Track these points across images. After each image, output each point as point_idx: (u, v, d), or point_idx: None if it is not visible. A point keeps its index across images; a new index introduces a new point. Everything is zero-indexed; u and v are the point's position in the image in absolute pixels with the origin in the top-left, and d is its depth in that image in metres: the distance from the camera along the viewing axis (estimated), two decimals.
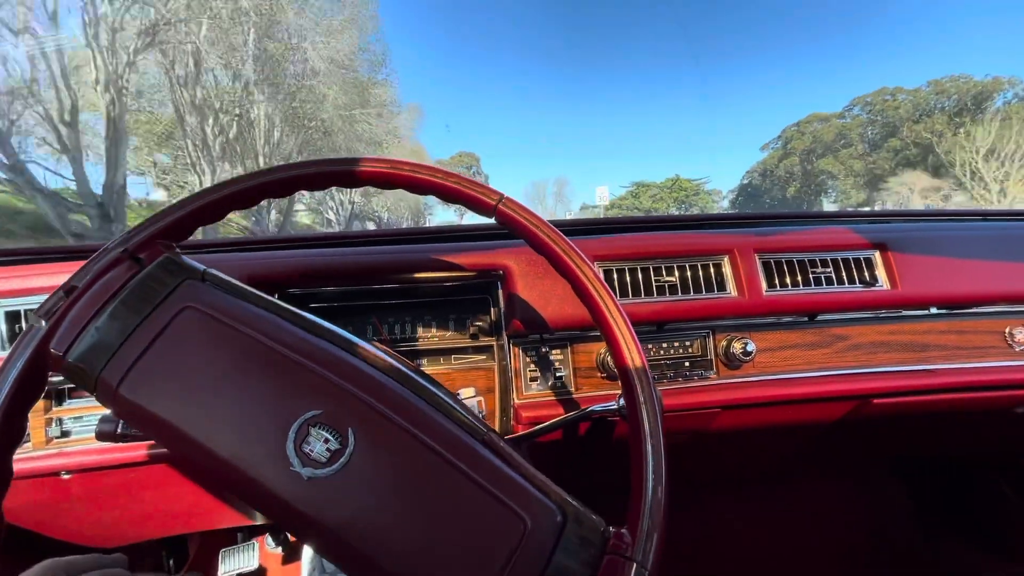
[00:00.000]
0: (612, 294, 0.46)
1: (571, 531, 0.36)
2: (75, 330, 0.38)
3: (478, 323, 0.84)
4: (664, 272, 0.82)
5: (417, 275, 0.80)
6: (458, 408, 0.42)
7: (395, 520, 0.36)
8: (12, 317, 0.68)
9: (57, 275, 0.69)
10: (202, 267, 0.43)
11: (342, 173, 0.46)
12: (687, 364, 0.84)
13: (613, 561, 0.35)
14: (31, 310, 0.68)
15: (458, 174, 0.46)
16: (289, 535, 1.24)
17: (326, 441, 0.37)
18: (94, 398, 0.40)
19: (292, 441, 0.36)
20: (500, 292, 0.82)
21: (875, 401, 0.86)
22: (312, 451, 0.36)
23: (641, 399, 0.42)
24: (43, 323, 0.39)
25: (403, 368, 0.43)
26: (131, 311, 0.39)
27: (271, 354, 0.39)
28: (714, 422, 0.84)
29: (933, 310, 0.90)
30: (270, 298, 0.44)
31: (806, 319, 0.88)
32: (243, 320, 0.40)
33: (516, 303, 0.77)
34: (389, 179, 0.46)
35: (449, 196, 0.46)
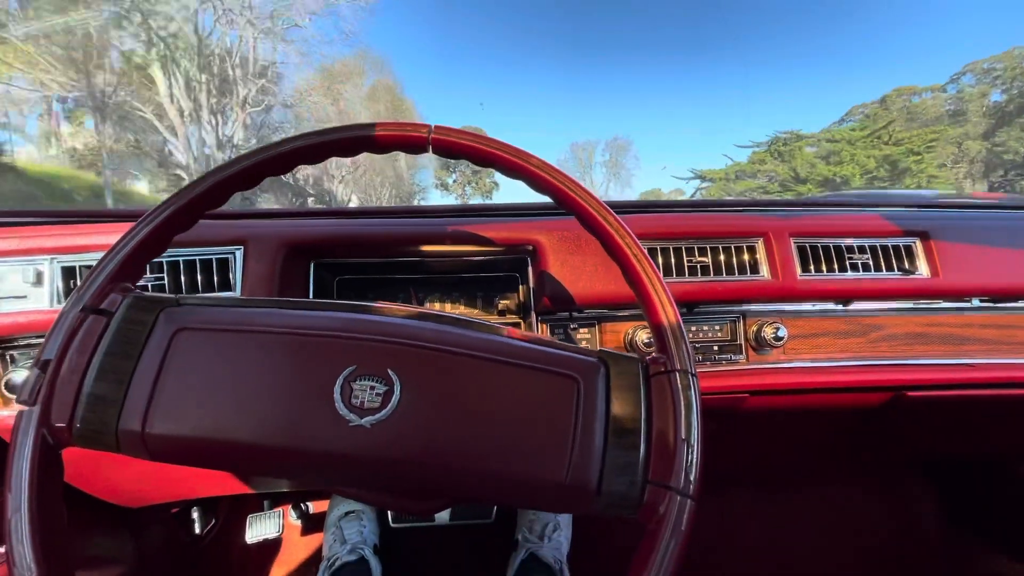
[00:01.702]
0: (613, 214, 0.44)
1: (615, 371, 0.40)
2: (70, 397, 0.36)
3: (506, 301, 0.85)
4: (697, 253, 0.81)
5: (447, 247, 0.80)
6: (472, 320, 0.44)
7: (469, 426, 0.38)
8: (68, 272, 0.71)
9: (108, 235, 0.72)
10: (172, 295, 0.43)
11: (267, 162, 0.44)
12: (716, 348, 0.83)
13: (660, 380, 0.39)
14: (86, 266, 0.71)
15: (382, 121, 0.44)
16: (352, 498, 1.25)
17: (372, 388, 0.38)
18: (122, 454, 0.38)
19: (340, 401, 0.37)
20: (530, 269, 0.82)
21: (909, 394, 0.84)
22: (363, 402, 0.37)
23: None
24: (32, 406, 0.36)
25: (415, 309, 0.45)
26: (120, 358, 0.38)
27: (284, 339, 0.39)
28: (741, 407, 0.83)
29: (975, 302, 0.88)
30: (253, 298, 0.44)
31: (839, 307, 0.86)
32: (242, 322, 0.40)
33: (546, 280, 0.77)
34: (311, 152, 0.44)
35: (381, 146, 0.45)
